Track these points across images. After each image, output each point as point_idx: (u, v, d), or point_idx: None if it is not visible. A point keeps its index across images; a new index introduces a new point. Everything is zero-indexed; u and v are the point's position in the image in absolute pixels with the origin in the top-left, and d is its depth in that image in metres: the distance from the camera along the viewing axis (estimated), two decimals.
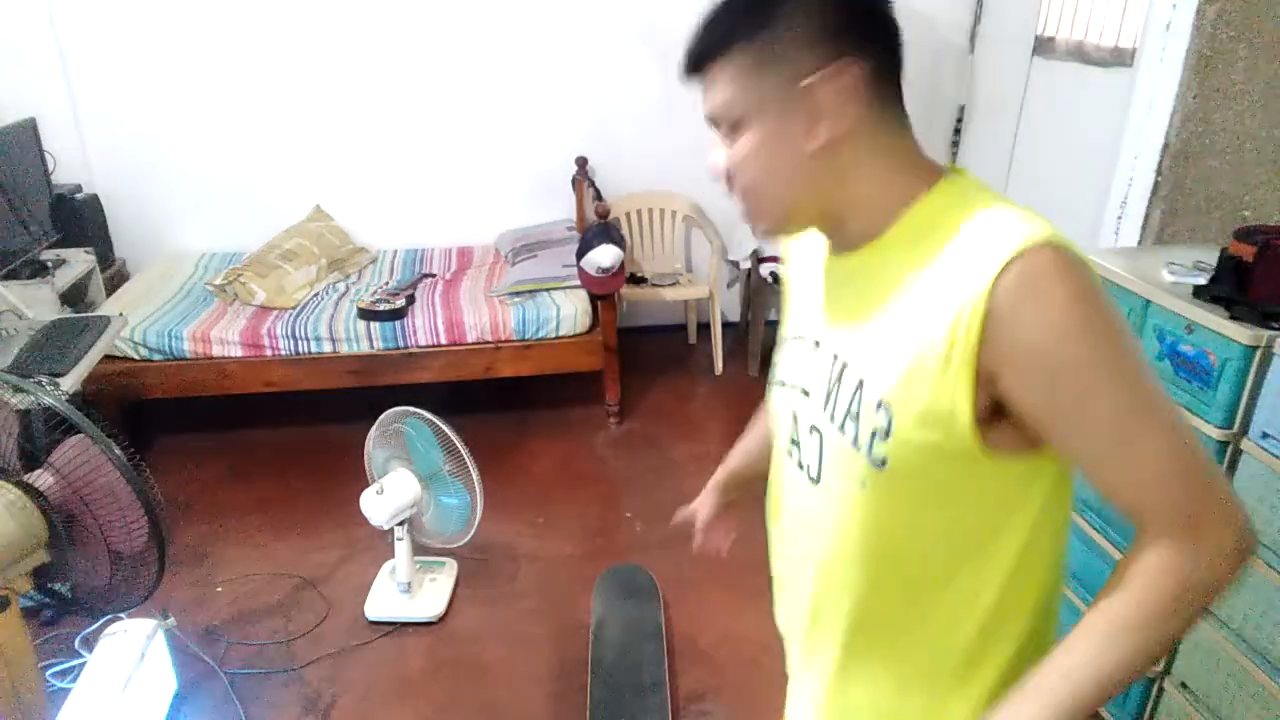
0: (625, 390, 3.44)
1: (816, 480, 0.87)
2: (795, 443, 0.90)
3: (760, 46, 0.75)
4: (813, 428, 0.86)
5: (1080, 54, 3.03)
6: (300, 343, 3.16)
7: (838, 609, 0.89)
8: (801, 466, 0.89)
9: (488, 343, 3.24)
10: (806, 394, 0.88)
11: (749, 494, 1.23)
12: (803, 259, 0.99)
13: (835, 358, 0.83)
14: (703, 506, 1.25)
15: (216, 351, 3.13)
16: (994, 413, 0.74)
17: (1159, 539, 0.72)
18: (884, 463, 0.77)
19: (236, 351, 3.14)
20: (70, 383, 2.17)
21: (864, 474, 0.80)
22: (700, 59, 0.79)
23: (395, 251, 3.93)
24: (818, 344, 0.88)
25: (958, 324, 0.71)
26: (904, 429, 0.75)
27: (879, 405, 0.77)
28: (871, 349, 0.79)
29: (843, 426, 0.81)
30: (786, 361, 0.94)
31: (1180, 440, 0.71)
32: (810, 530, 0.90)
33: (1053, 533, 0.83)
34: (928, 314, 0.74)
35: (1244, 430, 1.57)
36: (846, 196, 0.80)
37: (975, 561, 0.81)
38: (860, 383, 0.79)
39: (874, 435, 0.77)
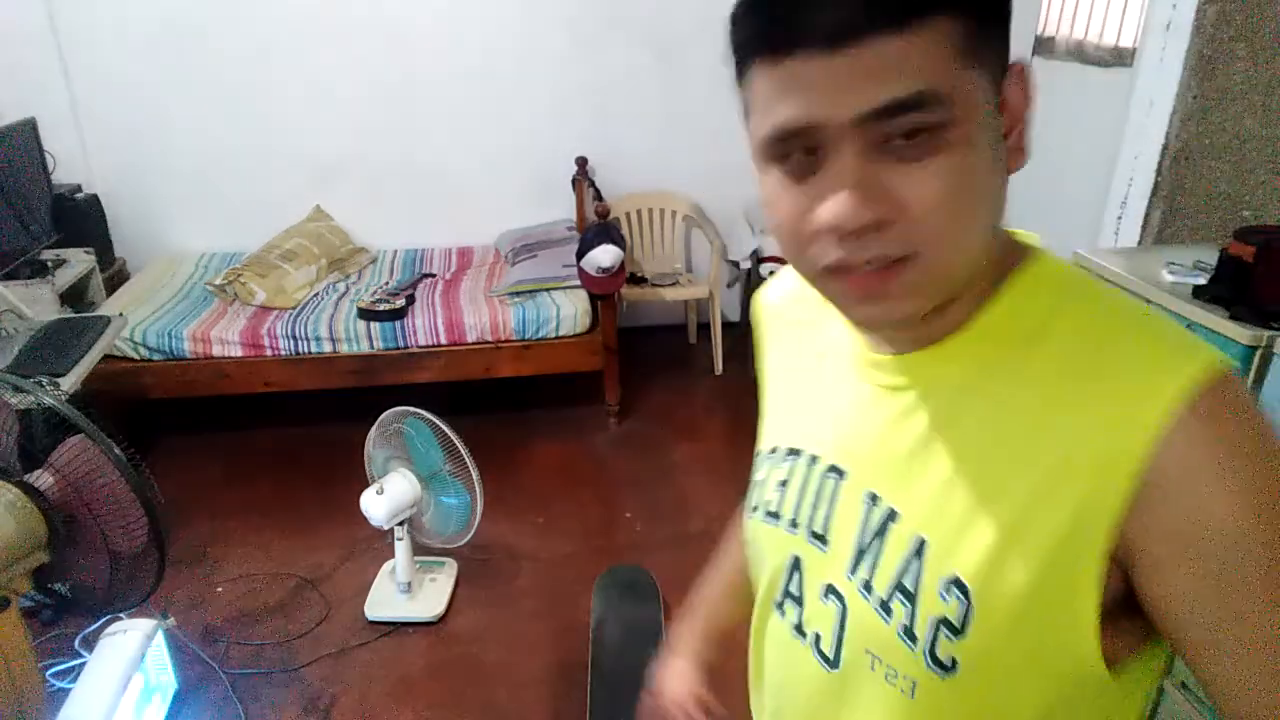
0: (625, 390, 3.43)
1: (833, 664, 0.63)
2: (796, 600, 0.67)
3: (982, 16, 0.51)
4: (830, 590, 0.63)
5: (1080, 54, 3.03)
6: (300, 343, 3.16)
7: None
8: (804, 636, 0.66)
9: (488, 343, 3.24)
10: (820, 541, 0.64)
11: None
12: (793, 331, 0.73)
13: (875, 500, 0.61)
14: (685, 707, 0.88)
15: (216, 351, 3.13)
16: (1115, 608, 0.54)
17: None
18: (952, 667, 0.56)
19: (236, 351, 3.13)
20: (70, 383, 2.17)
21: (916, 676, 0.58)
22: (907, 8, 0.48)
23: (395, 251, 3.93)
24: (840, 473, 0.64)
25: (1095, 482, 0.51)
26: (990, 625, 0.54)
27: (953, 586, 0.55)
28: (941, 499, 0.57)
29: (887, 606, 0.58)
30: (778, 484, 0.69)
31: None
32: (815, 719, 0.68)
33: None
34: (1041, 460, 0.53)
35: None
36: (984, 259, 0.56)
37: None
38: (921, 545, 0.57)
39: (939, 628, 0.56)
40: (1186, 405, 0.49)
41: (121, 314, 2.78)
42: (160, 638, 2.02)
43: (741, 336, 4.04)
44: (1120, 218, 2.37)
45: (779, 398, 0.74)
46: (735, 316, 4.23)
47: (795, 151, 0.52)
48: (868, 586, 0.60)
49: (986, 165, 0.52)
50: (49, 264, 3.14)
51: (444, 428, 2.30)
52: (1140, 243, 2.30)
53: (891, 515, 0.59)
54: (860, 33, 0.47)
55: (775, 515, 0.68)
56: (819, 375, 0.68)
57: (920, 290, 0.53)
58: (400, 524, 2.36)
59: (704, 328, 4.09)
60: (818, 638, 0.64)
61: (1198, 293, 1.67)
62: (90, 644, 2.13)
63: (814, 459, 0.66)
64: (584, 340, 3.27)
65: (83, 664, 2.09)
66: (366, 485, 2.35)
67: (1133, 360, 0.52)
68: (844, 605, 0.62)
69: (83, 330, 2.43)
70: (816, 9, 0.48)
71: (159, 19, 3.52)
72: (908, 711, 0.59)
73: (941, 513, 0.57)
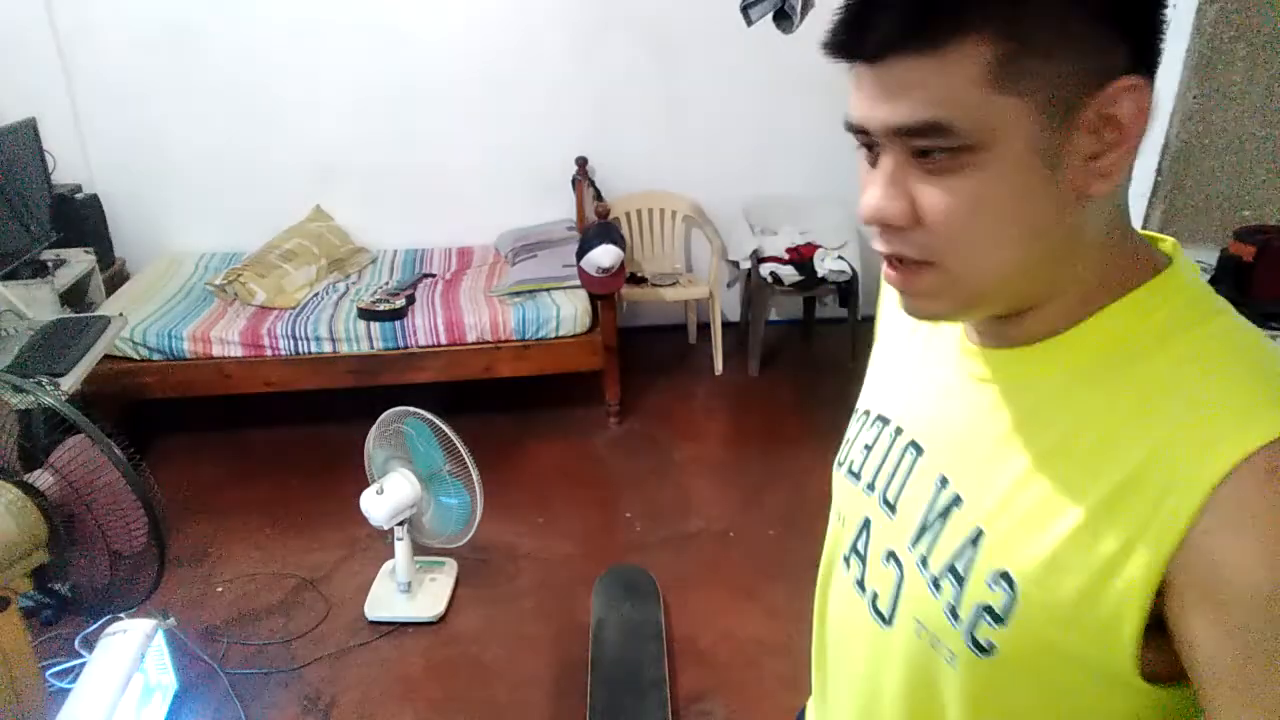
0: (625, 390, 3.43)
1: (887, 621, 0.66)
2: (860, 556, 0.70)
3: (1039, 27, 0.49)
4: (891, 556, 0.66)
5: None
6: (300, 343, 3.16)
7: None
8: (863, 591, 0.69)
9: (488, 343, 3.24)
10: (890, 509, 0.67)
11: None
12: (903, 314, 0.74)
13: (945, 482, 0.63)
14: None
15: (216, 351, 3.13)
16: (1156, 630, 0.53)
17: None
18: (989, 649, 0.58)
19: (236, 351, 3.13)
20: (70, 383, 2.17)
21: (957, 651, 0.60)
22: (938, 23, 0.50)
23: (395, 251, 3.93)
24: (919, 449, 0.66)
25: (1158, 508, 0.50)
26: (1031, 621, 0.55)
27: (1000, 578, 0.56)
28: (1007, 496, 0.58)
29: (937, 583, 0.61)
30: (864, 446, 0.72)
31: None
32: (864, 669, 0.71)
33: None
34: (1113, 475, 0.53)
35: None
36: (1064, 275, 0.56)
37: None
38: (978, 535, 0.59)
39: (981, 614, 0.57)
40: (1258, 457, 0.48)
41: (121, 314, 2.78)
42: (160, 638, 2.02)
43: (741, 337, 4.04)
44: None
45: (882, 363, 0.77)
46: (735, 316, 4.23)
47: (864, 142, 0.57)
48: (924, 561, 0.62)
49: (1018, 191, 0.52)
50: (49, 264, 3.14)
51: (444, 428, 2.30)
52: None
53: (956, 501, 0.61)
54: (892, 51, 0.51)
55: (856, 475, 0.72)
56: (920, 351, 0.71)
57: (938, 295, 0.57)
58: (400, 524, 2.36)
59: (704, 328, 4.09)
60: (875, 596, 0.68)
61: None
62: (90, 644, 2.13)
63: (899, 430, 0.69)
64: (584, 340, 3.27)
65: (83, 664, 2.09)
66: (366, 485, 2.35)
67: (1225, 398, 0.51)
68: (902, 572, 0.65)
69: (83, 330, 2.43)
70: (867, 27, 0.52)
71: (158, 19, 3.51)
72: (948, 679, 0.62)
73: (1004, 509, 0.58)
